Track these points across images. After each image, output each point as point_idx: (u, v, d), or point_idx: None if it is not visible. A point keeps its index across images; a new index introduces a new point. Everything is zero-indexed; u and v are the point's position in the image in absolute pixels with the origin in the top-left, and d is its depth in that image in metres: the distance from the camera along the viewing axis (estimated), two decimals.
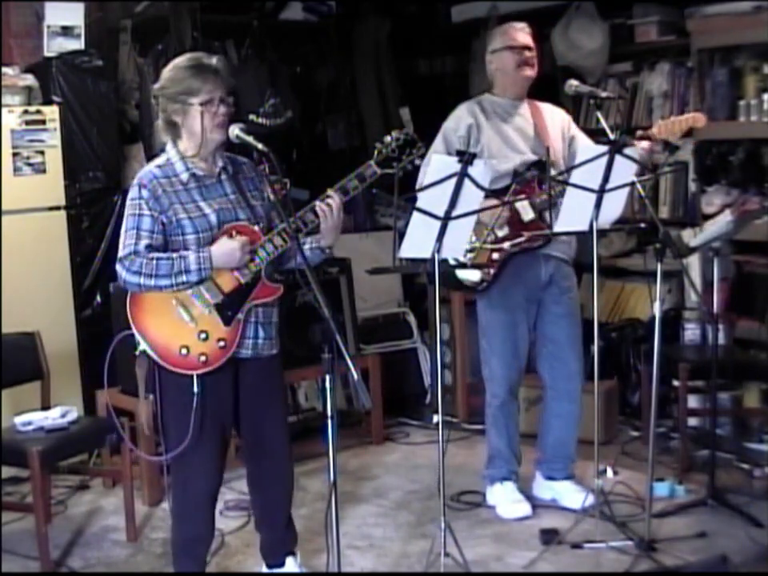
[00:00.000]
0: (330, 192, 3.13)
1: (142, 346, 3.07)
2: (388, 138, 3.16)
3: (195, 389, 3.05)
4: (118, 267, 3.07)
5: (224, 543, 3.87)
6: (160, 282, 3.02)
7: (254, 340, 3.17)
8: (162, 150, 3.21)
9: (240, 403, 3.24)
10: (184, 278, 3.02)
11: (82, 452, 4.35)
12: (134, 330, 3.07)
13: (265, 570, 3.47)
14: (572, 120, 4.16)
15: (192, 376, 3.06)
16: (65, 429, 3.84)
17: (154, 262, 3.01)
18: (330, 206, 3.10)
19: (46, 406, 4.03)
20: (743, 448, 4.63)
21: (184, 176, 3.12)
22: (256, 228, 3.13)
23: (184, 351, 3.05)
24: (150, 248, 3.04)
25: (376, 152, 3.15)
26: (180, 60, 3.13)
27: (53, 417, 3.85)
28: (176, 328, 3.06)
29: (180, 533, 3.28)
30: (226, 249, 3.05)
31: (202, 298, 3.08)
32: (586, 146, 3.75)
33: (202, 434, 3.08)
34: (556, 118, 4.08)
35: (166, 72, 3.13)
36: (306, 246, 3.18)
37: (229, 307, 3.09)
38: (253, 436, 3.30)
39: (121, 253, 3.07)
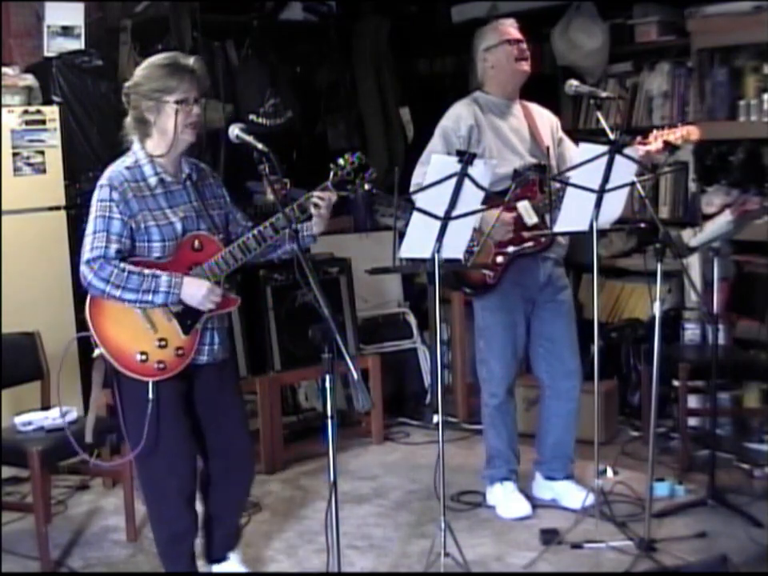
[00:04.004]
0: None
1: (100, 349, 3.06)
2: (341, 161, 3.20)
3: (150, 395, 3.06)
4: (84, 269, 3.02)
5: None
6: (126, 295, 3.01)
7: (210, 346, 3.22)
8: (128, 149, 3.20)
9: (197, 407, 3.27)
10: (150, 297, 3.03)
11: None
12: (93, 334, 3.06)
13: (215, 569, 3.47)
14: (559, 122, 4.17)
15: (148, 382, 3.07)
16: (65, 429, 3.83)
17: (125, 274, 3.00)
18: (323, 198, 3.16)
19: (45, 406, 4.03)
20: (743, 448, 4.63)
21: (152, 180, 3.12)
22: (216, 239, 3.16)
23: (143, 357, 3.07)
24: (119, 253, 3.03)
25: (332, 173, 3.18)
26: (156, 58, 3.13)
27: (53, 417, 3.85)
28: (136, 334, 3.08)
29: (158, 532, 3.30)
30: (197, 286, 3.07)
31: (163, 307, 3.09)
32: (585, 147, 3.74)
33: (162, 436, 3.10)
34: (545, 120, 4.08)
35: (141, 70, 3.13)
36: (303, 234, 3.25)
37: (189, 316, 3.12)
38: (213, 436, 3.31)
39: (88, 255, 3.02)
